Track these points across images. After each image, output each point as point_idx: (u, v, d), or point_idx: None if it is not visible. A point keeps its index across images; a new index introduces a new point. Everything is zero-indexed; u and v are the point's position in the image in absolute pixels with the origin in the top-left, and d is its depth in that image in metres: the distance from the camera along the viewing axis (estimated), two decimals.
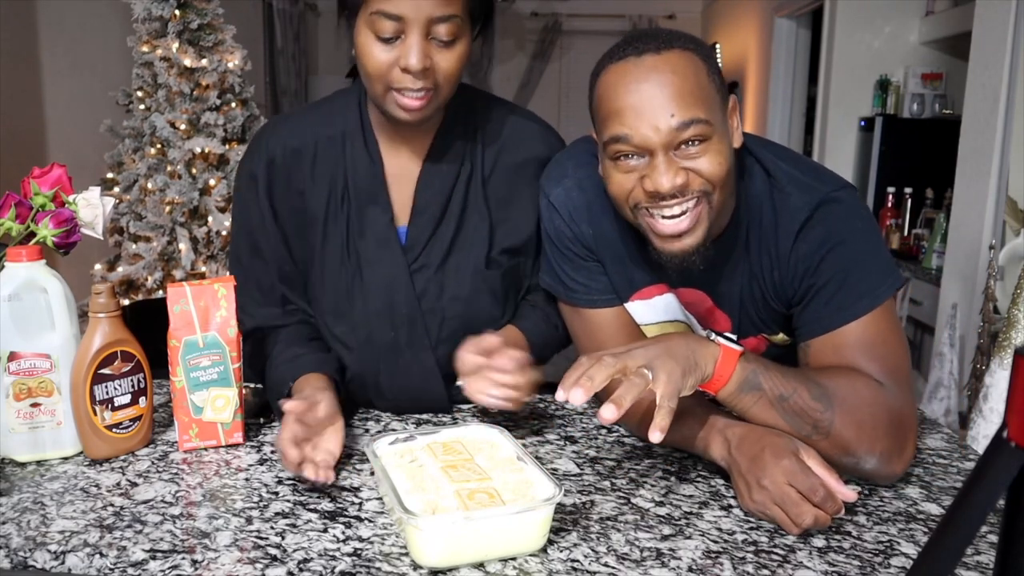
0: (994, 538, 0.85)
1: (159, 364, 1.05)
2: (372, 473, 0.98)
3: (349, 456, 1.04)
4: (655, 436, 0.83)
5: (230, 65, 3.25)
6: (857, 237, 0.99)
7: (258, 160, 1.15)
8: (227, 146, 3.27)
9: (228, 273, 1.17)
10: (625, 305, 1.13)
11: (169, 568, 0.77)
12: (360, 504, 0.91)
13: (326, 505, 0.90)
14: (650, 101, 0.91)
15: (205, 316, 1.04)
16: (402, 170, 1.15)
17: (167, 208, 3.18)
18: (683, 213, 0.94)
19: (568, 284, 1.13)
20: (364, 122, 1.15)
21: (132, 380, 1.03)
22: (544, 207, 1.13)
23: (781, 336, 1.10)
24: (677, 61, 0.92)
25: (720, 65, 0.95)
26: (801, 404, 0.91)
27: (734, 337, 1.12)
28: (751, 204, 1.02)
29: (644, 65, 0.92)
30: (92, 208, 1.08)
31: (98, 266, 3.32)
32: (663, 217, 0.95)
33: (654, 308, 1.13)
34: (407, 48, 0.99)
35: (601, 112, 0.96)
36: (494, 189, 1.17)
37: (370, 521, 0.87)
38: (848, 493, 0.85)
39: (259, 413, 1.18)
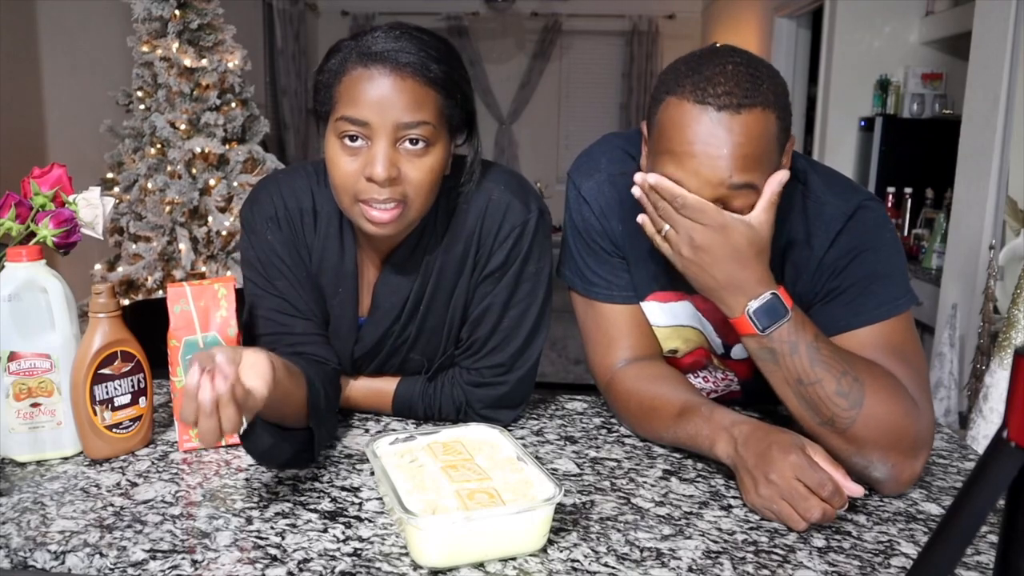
0: (994, 538, 0.85)
1: (159, 364, 1.05)
2: (372, 473, 0.98)
3: (349, 456, 1.04)
4: None
5: (230, 65, 3.25)
6: (884, 247, 1.00)
7: (260, 214, 1.10)
8: (227, 146, 3.27)
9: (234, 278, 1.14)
10: (641, 304, 1.13)
11: (169, 568, 0.77)
12: (360, 504, 0.91)
13: (326, 505, 0.90)
14: (714, 161, 0.89)
15: (205, 316, 1.04)
16: (369, 260, 1.12)
17: (167, 208, 3.18)
18: None
19: (589, 278, 1.13)
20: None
21: (132, 380, 1.03)
22: (573, 198, 1.14)
23: None
24: (753, 125, 0.90)
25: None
26: (821, 395, 0.90)
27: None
28: (783, 216, 1.02)
29: (720, 124, 0.89)
30: (92, 208, 1.09)
31: (98, 266, 3.32)
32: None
33: (671, 312, 1.13)
34: (372, 155, 0.95)
35: (662, 141, 0.94)
36: (473, 280, 1.10)
37: (370, 521, 0.87)
38: (855, 488, 0.86)
39: None
